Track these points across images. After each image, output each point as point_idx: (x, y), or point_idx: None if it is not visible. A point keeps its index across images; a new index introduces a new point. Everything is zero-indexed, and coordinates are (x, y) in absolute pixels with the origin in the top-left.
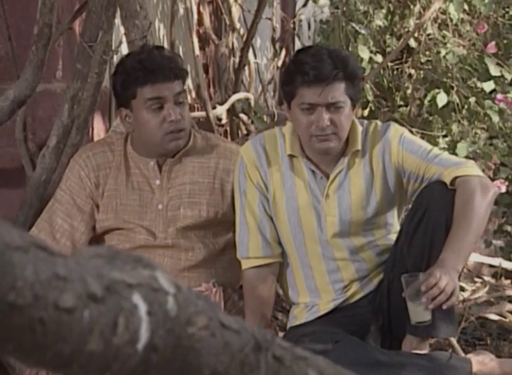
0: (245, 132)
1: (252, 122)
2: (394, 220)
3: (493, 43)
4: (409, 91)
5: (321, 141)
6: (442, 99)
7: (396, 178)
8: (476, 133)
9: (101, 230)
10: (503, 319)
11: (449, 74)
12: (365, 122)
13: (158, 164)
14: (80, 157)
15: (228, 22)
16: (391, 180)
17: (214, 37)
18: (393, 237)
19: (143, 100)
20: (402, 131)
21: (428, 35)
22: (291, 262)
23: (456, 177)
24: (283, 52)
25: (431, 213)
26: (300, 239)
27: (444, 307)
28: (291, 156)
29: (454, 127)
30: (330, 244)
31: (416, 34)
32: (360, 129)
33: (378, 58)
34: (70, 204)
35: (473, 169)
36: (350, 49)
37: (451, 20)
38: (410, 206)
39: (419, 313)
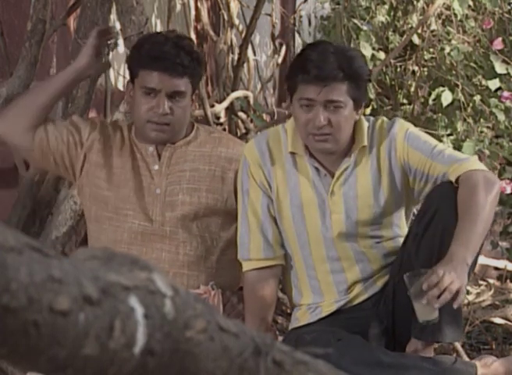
0: (244, 131)
1: (251, 120)
2: (401, 222)
3: (500, 39)
4: (412, 89)
5: (318, 140)
6: (447, 98)
7: (402, 175)
8: (482, 132)
9: (96, 196)
10: (509, 322)
11: (454, 72)
12: (371, 118)
13: (157, 151)
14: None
15: (226, 18)
16: (398, 177)
17: (212, 33)
18: (400, 239)
19: (140, 83)
20: (407, 126)
21: (432, 31)
22: (295, 262)
23: (460, 174)
24: (283, 49)
25: (441, 215)
26: (304, 238)
27: (455, 306)
28: (293, 154)
29: (459, 126)
30: (335, 244)
31: (419, 31)
32: (366, 125)
33: (381, 55)
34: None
35: (476, 163)
36: (351, 46)
37: (455, 16)
38: (418, 208)
39: (425, 312)
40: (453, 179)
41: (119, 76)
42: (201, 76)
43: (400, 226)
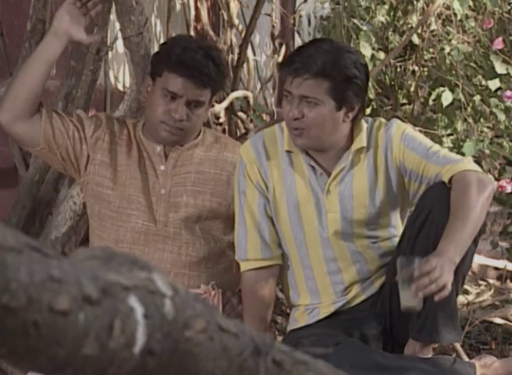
0: (243, 131)
1: (251, 120)
2: (397, 222)
3: (500, 39)
4: (412, 89)
5: (294, 135)
6: (447, 98)
7: (397, 176)
8: (482, 132)
9: (100, 195)
10: (508, 323)
11: (454, 72)
12: (370, 119)
13: (165, 151)
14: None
15: (226, 18)
16: (393, 178)
17: (212, 33)
18: (397, 239)
19: (162, 84)
20: (404, 128)
21: (432, 31)
22: (292, 262)
23: (453, 175)
24: (283, 49)
25: (434, 216)
26: (300, 238)
27: (436, 299)
28: (289, 152)
29: (459, 126)
30: (331, 244)
31: (419, 31)
32: (365, 126)
33: (381, 55)
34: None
35: (470, 164)
36: (351, 46)
37: (455, 16)
38: (413, 208)
39: (409, 298)
40: (446, 179)
41: (118, 76)
42: (222, 87)
43: (396, 226)
